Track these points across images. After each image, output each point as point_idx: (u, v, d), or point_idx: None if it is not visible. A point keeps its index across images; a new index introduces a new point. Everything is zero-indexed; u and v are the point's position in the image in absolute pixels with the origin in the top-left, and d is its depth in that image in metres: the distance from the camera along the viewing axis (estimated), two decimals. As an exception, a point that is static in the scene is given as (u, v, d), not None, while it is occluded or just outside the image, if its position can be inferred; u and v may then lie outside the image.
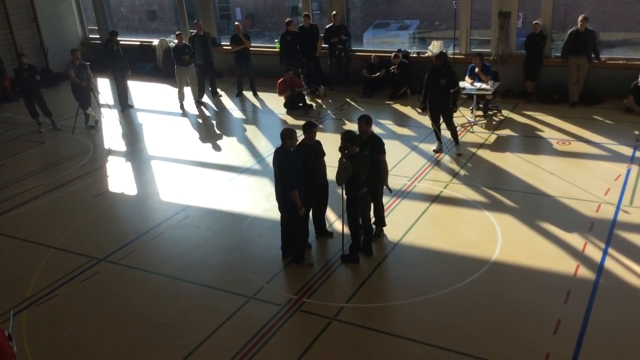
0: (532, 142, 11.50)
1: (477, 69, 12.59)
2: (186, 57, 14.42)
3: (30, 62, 14.83)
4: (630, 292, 6.99)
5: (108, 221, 9.80)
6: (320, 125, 12.78)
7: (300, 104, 14.11)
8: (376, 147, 7.86)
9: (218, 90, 15.85)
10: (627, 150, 10.70)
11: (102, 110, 14.67)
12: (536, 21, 13.43)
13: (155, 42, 18.46)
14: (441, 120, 10.93)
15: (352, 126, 8.08)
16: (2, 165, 12.44)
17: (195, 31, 15.03)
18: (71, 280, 8.03)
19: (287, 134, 7.48)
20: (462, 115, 12.58)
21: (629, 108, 12.42)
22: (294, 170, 7.43)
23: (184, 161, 11.82)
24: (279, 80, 14.31)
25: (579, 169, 10.26)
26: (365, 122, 7.90)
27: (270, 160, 9.51)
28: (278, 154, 7.61)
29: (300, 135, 7.82)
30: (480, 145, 11.39)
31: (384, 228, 8.48)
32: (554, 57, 13.69)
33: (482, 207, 9.07)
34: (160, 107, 15.43)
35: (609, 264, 7.48)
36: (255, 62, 15.72)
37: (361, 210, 7.78)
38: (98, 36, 19.83)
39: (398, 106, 14.04)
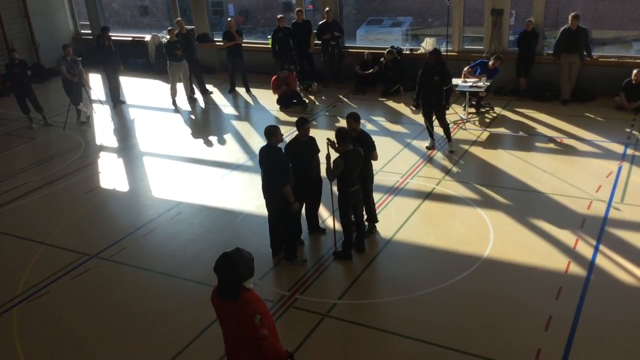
0: (524, 140, 11.54)
1: (490, 65, 12.74)
2: (178, 52, 14.35)
3: (22, 57, 14.72)
4: (621, 289, 7.04)
5: (100, 217, 9.76)
6: (314, 122, 12.79)
7: (294, 100, 14.09)
8: (366, 144, 7.87)
9: (208, 87, 15.72)
10: (618, 148, 10.75)
11: (94, 106, 14.60)
12: (529, 19, 13.47)
13: (148, 37, 18.38)
14: (434, 117, 10.94)
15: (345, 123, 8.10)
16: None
17: (178, 30, 14.86)
18: (63, 277, 8.00)
19: (271, 131, 7.47)
20: (455, 113, 12.60)
21: (621, 106, 12.48)
22: (283, 165, 7.43)
23: (177, 157, 11.78)
24: (273, 78, 14.27)
25: (570, 166, 10.30)
26: (353, 119, 7.90)
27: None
28: (264, 151, 7.60)
29: (293, 132, 7.81)
30: (473, 143, 11.42)
31: (376, 224, 8.50)
32: (546, 54, 13.74)
33: (474, 204, 9.10)
34: (152, 103, 15.37)
35: (600, 260, 7.53)
36: (248, 58, 15.68)
37: (353, 207, 7.79)
38: (90, 31, 19.72)
39: (391, 103, 14.05)
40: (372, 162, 8.13)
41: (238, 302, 4.38)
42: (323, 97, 14.80)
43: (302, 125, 7.74)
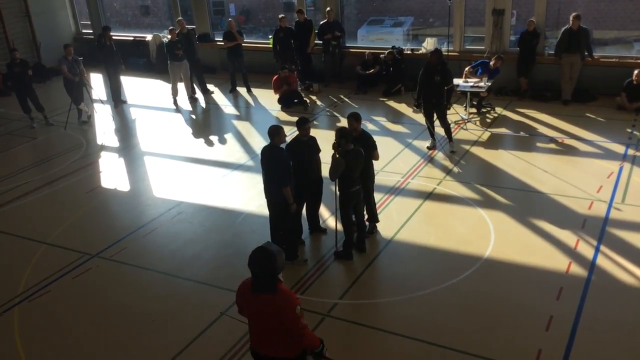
0: (525, 140, 11.54)
1: (491, 65, 12.69)
2: (179, 52, 14.35)
3: (23, 57, 14.73)
4: (622, 289, 7.03)
5: (101, 217, 9.76)
6: (315, 122, 12.79)
7: (295, 100, 14.09)
8: (367, 144, 7.87)
9: (209, 87, 15.71)
10: (619, 148, 10.74)
11: (95, 105, 14.62)
12: (530, 19, 13.47)
13: (149, 37, 18.39)
14: (435, 117, 10.94)
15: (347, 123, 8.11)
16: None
17: (179, 30, 14.85)
18: (63, 277, 8.00)
19: (275, 131, 7.45)
20: (456, 113, 12.59)
21: (622, 106, 12.47)
22: (285, 165, 7.43)
23: (177, 157, 11.78)
24: (274, 78, 14.27)
25: (571, 166, 10.29)
26: (354, 119, 7.90)
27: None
28: (267, 151, 7.60)
29: (294, 132, 7.80)
30: (474, 143, 11.41)
31: (377, 224, 8.50)
32: (547, 54, 13.73)
33: (475, 204, 9.10)
34: (153, 103, 15.37)
35: (601, 261, 7.52)
36: (249, 58, 15.68)
37: (354, 207, 7.78)
38: (91, 31, 19.73)
39: (392, 103, 14.04)
40: (373, 162, 8.13)
41: (278, 294, 4.48)
42: (324, 97, 14.78)
43: (303, 125, 7.74)
